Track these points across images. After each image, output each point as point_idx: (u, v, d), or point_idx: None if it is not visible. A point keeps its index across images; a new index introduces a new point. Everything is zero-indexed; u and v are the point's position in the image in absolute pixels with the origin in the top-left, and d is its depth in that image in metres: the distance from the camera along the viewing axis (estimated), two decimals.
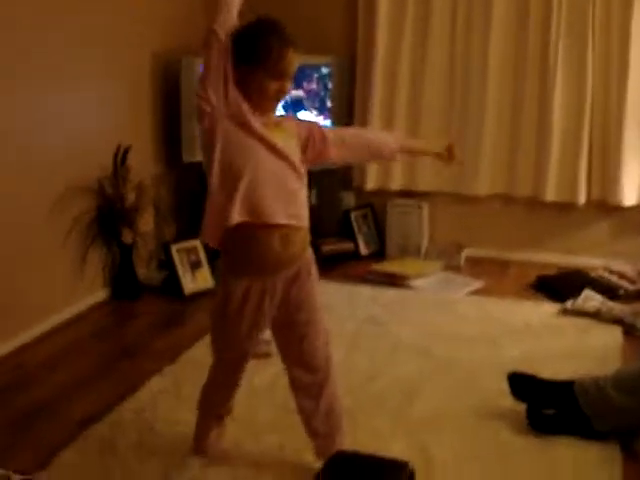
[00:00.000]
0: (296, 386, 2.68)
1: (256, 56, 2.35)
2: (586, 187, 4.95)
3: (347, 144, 2.59)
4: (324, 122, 5.09)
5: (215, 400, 2.79)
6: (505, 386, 3.12)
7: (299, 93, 4.99)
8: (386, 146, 2.68)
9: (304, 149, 2.51)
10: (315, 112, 5.07)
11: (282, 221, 2.40)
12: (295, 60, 2.39)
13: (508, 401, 3.13)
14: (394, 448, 2.84)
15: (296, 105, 4.96)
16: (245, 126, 2.37)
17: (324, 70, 5.04)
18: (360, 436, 2.89)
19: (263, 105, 2.41)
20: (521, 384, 3.10)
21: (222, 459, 2.79)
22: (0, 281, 3.66)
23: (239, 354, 2.66)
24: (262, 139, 2.38)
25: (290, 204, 2.42)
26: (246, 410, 3.10)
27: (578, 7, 4.78)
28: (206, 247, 4.65)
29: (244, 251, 2.45)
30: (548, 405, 3.04)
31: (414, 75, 5.13)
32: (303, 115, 5.00)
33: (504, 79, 5.01)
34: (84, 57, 4.15)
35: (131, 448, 2.88)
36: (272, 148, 2.39)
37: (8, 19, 3.58)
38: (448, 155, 2.83)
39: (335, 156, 2.58)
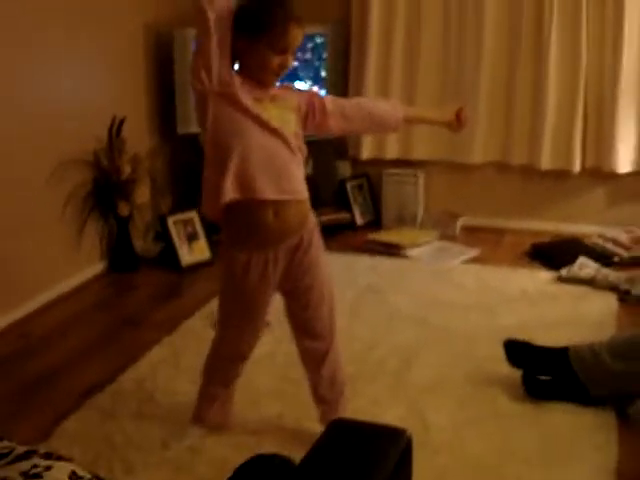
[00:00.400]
0: (301, 353, 2.71)
1: (259, 29, 2.33)
2: (581, 155, 4.96)
3: (347, 115, 2.56)
4: (319, 92, 5.09)
5: (218, 373, 2.79)
6: (501, 353, 3.15)
7: (294, 63, 4.97)
8: (391, 116, 2.64)
9: (304, 121, 2.50)
10: (309, 82, 5.06)
11: (273, 197, 2.41)
12: (299, 35, 2.38)
13: (504, 368, 3.15)
14: (392, 414, 2.88)
15: (290, 75, 4.94)
16: (237, 104, 2.36)
17: (318, 40, 5.03)
18: (360, 403, 2.93)
19: (263, 79, 2.40)
20: (517, 351, 3.13)
21: (221, 428, 2.82)
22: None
23: (246, 325, 2.66)
24: (253, 116, 2.37)
25: (283, 179, 2.42)
26: (245, 379, 3.10)
27: None
28: (203, 219, 4.66)
29: (242, 225, 2.47)
30: (544, 372, 3.07)
31: (409, 43, 5.11)
32: (298, 85, 4.99)
33: (499, 46, 5.00)
34: (78, 29, 4.13)
35: (132, 417, 2.92)
36: (263, 125, 2.38)
37: None
38: (458, 123, 2.75)
39: (335, 127, 2.56)
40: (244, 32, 2.34)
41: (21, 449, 1.63)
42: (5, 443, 1.67)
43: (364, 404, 2.94)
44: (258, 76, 2.39)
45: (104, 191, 4.34)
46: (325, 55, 5.07)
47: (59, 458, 1.61)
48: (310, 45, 5.02)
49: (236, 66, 2.42)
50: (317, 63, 5.07)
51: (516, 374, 3.10)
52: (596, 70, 4.88)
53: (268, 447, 2.61)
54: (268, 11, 2.35)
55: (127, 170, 4.37)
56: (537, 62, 4.92)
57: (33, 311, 3.89)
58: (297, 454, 1.68)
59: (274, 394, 3.08)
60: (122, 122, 4.35)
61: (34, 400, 3.07)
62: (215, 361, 2.77)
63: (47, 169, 3.95)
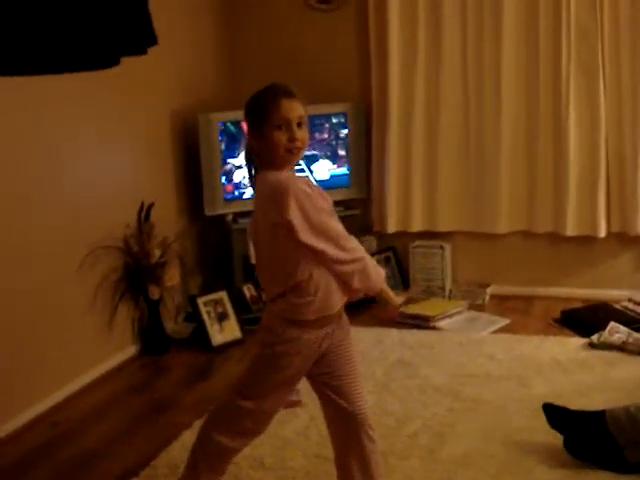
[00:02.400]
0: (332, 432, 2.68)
1: (258, 114, 2.48)
2: (606, 220, 4.97)
3: None
4: (338, 170, 5.17)
5: (226, 453, 2.72)
6: (535, 422, 3.14)
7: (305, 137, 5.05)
8: None
9: None
10: (328, 161, 5.14)
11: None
12: (294, 106, 2.47)
13: (539, 438, 3.15)
14: None
15: (309, 157, 5.03)
16: None
17: (334, 119, 5.12)
18: (394, 479, 2.91)
19: (280, 160, 2.48)
20: (556, 415, 3.12)
21: None
22: (32, 340, 3.73)
23: (279, 403, 2.68)
24: None
25: None
26: (279, 458, 3.13)
27: (586, 39, 4.83)
28: (232, 299, 4.71)
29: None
30: (581, 436, 3.05)
31: (429, 118, 5.19)
32: (318, 166, 5.08)
33: (517, 117, 5.06)
34: (104, 118, 4.25)
35: None
36: None
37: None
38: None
39: None
40: (251, 126, 2.52)
41: None
42: None
43: None
44: (275, 160, 2.47)
45: (134, 275, 4.40)
46: (345, 133, 5.16)
47: None
48: (327, 125, 5.11)
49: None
50: (334, 142, 5.14)
51: (552, 443, 3.09)
52: (616, 134, 4.92)
53: None
54: (260, 97, 2.51)
55: (157, 254, 4.44)
56: (556, 131, 4.96)
57: (67, 396, 3.92)
58: None
59: (308, 474, 3.07)
60: (150, 207, 4.44)
61: None
62: (223, 439, 2.67)
63: (78, 256, 4.02)
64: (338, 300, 2.49)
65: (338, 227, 2.47)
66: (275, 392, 2.61)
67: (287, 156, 2.49)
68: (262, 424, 2.69)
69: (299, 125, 2.48)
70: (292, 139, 2.46)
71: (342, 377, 2.58)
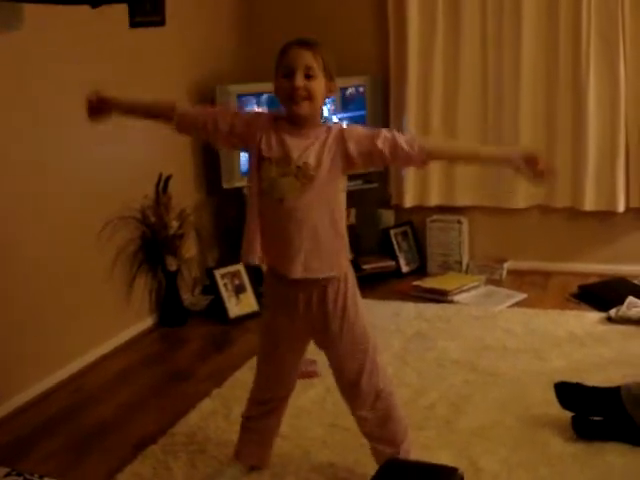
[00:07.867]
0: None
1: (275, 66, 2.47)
2: (625, 195, 4.94)
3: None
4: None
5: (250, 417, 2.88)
6: (552, 396, 3.13)
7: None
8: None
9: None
10: None
11: None
12: (300, 54, 2.41)
13: (555, 410, 3.14)
14: (443, 459, 2.85)
15: None
16: None
17: (355, 90, 5.09)
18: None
19: (287, 110, 2.46)
20: (568, 393, 3.11)
21: (257, 468, 2.88)
22: (51, 310, 3.76)
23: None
24: None
25: None
26: (296, 427, 3.15)
27: (606, 9, 4.76)
28: (249, 271, 4.71)
29: None
30: (596, 412, 3.05)
31: (447, 92, 5.15)
32: None
33: (537, 91, 5.01)
34: (124, 90, 4.23)
35: (184, 470, 2.94)
36: None
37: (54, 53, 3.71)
38: (530, 170, 2.53)
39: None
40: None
41: None
42: None
43: (414, 450, 2.91)
44: (285, 110, 2.47)
45: (152, 247, 4.41)
46: (365, 105, 5.13)
47: None
48: (348, 96, 5.09)
49: None
50: (355, 114, 5.12)
51: (567, 416, 3.08)
52: (636, 109, 4.87)
53: None
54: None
55: (174, 226, 4.45)
56: (576, 105, 4.92)
57: (85, 366, 3.96)
58: None
59: (325, 442, 3.09)
60: (168, 179, 4.44)
61: (89, 453, 3.13)
62: (249, 404, 2.87)
63: (96, 227, 4.04)
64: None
65: None
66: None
67: (289, 105, 2.43)
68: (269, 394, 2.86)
69: (308, 76, 2.41)
70: (294, 88, 2.40)
71: None
